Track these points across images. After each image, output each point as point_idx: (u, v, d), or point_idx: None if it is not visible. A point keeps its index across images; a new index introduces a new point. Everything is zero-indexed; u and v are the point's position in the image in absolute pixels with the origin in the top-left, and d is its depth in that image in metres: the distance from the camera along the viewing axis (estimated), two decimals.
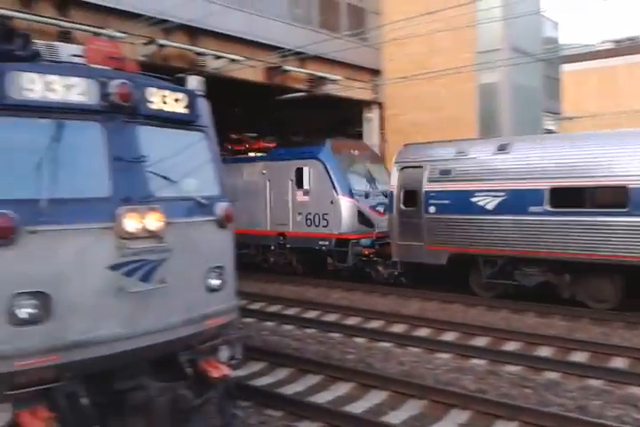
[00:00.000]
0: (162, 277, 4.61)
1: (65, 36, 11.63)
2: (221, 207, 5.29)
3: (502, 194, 11.89)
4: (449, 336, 9.99)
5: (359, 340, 9.68)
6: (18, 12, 11.28)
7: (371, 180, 15.97)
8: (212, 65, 15.93)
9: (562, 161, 11.45)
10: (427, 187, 13.07)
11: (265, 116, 24.99)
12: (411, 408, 6.81)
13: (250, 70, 17.16)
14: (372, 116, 22.10)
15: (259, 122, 25.94)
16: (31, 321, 3.92)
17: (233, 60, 16.14)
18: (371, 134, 22.11)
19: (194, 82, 5.65)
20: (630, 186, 10.48)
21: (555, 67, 25.73)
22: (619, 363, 8.46)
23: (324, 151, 15.72)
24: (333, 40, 18.07)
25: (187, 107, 5.23)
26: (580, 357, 8.79)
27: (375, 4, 21.04)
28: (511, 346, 9.38)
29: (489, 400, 6.74)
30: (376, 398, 7.14)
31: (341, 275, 15.45)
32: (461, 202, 12.43)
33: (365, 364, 8.32)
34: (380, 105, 21.92)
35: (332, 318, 11.48)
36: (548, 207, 11.33)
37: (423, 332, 10.30)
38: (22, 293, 3.89)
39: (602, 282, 11.32)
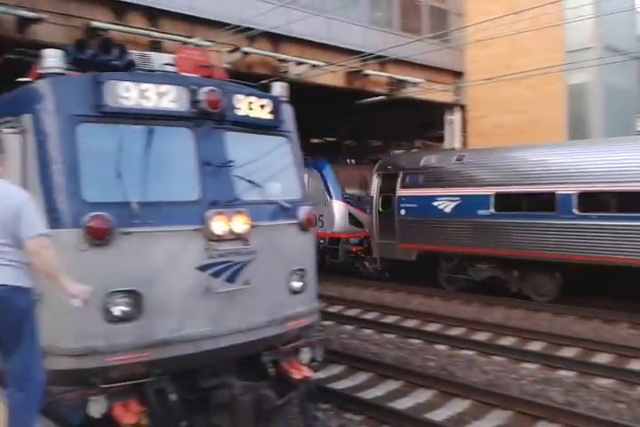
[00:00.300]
0: (247, 278, 4.72)
1: (155, 46, 12.13)
2: (303, 211, 5.37)
3: (457, 199, 13.65)
4: (535, 346, 9.62)
5: (440, 347, 9.48)
6: (112, 24, 11.88)
7: (364, 186, 17.59)
8: (294, 71, 16.17)
9: (505, 170, 13.25)
10: (399, 192, 15.07)
11: (344, 120, 25.11)
12: (495, 419, 6.61)
13: (330, 75, 17.27)
14: (453, 118, 21.70)
15: (338, 127, 26.12)
16: (124, 319, 4.12)
17: (314, 66, 16.31)
18: (452, 137, 21.71)
19: (278, 88, 5.76)
20: (558, 192, 11.87)
21: None
22: None
23: (322, 162, 17.73)
24: (414, 43, 17.91)
25: (271, 112, 5.35)
26: None
27: (458, 6, 20.67)
28: (602, 358, 8.91)
29: (578, 414, 6.43)
30: (458, 406, 6.97)
31: (366, 274, 16.19)
32: (426, 205, 14.30)
33: (447, 372, 8.15)
34: (463, 107, 21.49)
35: (411, 323, 11.32)
36: (492, 210, 13.02)
37: (507, 341, 9.96)
38: (116, 291, 4.09)
39: (543, 278, 12.67)
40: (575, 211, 11.68)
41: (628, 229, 11.02)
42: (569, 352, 9.22)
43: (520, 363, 8.62)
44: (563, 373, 8.17)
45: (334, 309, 12.66)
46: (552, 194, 11.98)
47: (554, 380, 7.72)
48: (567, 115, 19.32)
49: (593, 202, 11.58)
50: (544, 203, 12.14)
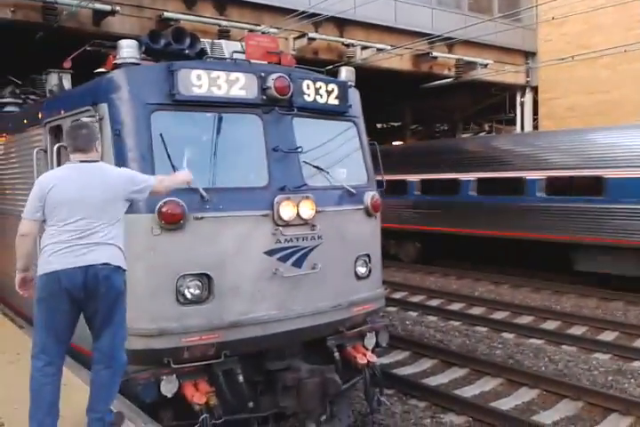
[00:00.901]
0: (313, 263, 4.79)
1: (224, 35, 12.31)
2: (369, 196, 5.37)
3: None
4: (607, 336, 9.29)
5: (507, 335, 9.32)
6: (183, 14, 12.13)
7: None
8: (360, 55, 16.03)
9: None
10: None
11: (410, 104, 24.73)
12: (564, 409, 6.46)
13: (396, 59, 17.01)
14: (524, 100, 20.98)
15: (403, 111, 25.75)
16: (195, 301, 4.27)
17: (380, 50, 16.11)
18: (523, 120, 21.02)
19: (345, 73, 5.74)
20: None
21: None
22: None
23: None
24: (484, 23, 17.37)
25: (339, 98, 5.34)
26: None
27: None
28: None
29: None
30: (526, 395, 6.86)
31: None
32: None
33: (514, 360, 8.02)
34: (534, 89, 20.75)
35: (477, 311, 11.15)
36: None
37: (578, 330, 9.67)
38: (188, 274, 4.24)
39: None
40: None
41: None
42: None
43: (591, 353, 8.37)
44: (637, 364, 7.88)
45: (398, 295, 12.62)
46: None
47: (628, 371, 7.45)
48: None
49: None
50: None
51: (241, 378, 4.35)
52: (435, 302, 11.93)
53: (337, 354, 4.96)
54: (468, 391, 6.98)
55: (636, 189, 11.18)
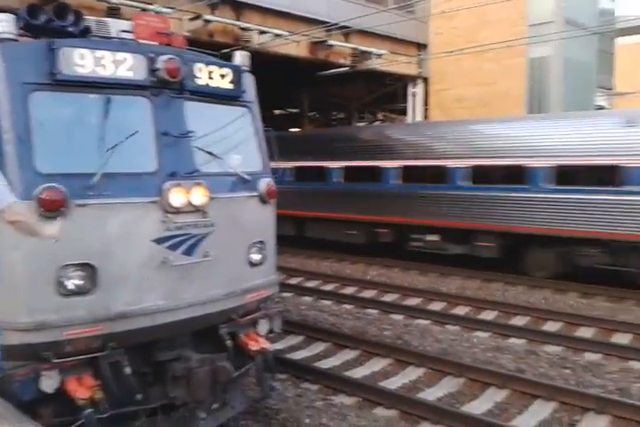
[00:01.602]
0: (205, 251, 4.70)
1: (113, 13, 11.74)
2: (264, 183, 5.34)
3: None
4: (487, 315, 9.94)
5: (396, 317, 9.72)
6: None
7: None
8: (257, 40, 15.87)
9: None
10: None
11: (307, 92, 24.86)
12: (447, 386, 6.85)
13: (294, 45, 17.02)
14: (416, 91, 21.73)
15: (301, 98, 25.84)
16: (78, 292, 4.07)
17: (277, 35, 16.04)
18: (415, 110, 21.78)
19: (239, 57, 5.65)
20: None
21: (609, 40, 24.67)
22: None
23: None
24: (379, 13, 17.74)
25: (232, 82, 5.24)
26: (622, 338, 8.63)
27: None
28: (551, 326, 9.28)
29: (527, 380, 6.72)
30: (413, 374, 7.20)
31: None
32: None
33: (402, 341, 8.37)
34: (425, 80, 21.52)
35: (369, 294, 11.53)
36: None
37: (461, 310, 10.26)
38: (70, 264, 4.03)
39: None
40: None
41: None
42: (520, 321, 9.57)
43: (473, 332, 8.92)
44: (513, 341, 8.49)
45: (294, 280, 12.77)
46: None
47: (505, 347, 8.01)
48: (528, 88, 19.53)
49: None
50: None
51: (128, 370, 4.22)
52: (329, 287, 12.19)
53: (229, 342, 4.93)
54: (359, 372, 7.22)
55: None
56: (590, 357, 7.81)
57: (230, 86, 5.24)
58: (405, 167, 14.33)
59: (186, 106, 4.89)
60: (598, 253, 11.46)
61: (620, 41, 32.81)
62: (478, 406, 6.28)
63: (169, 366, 4.58)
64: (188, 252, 4.61)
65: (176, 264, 4.49)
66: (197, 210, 4.66)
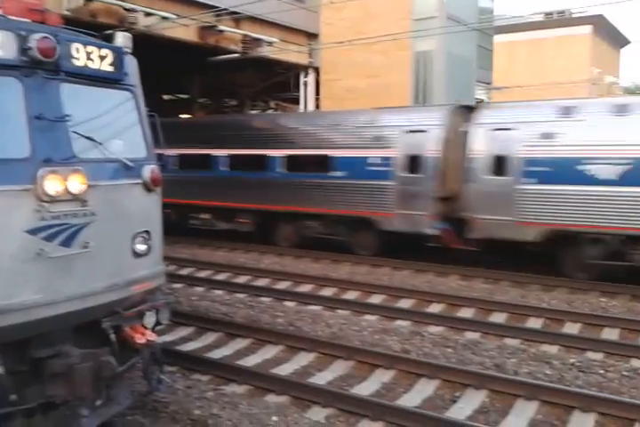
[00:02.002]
0: (85, 241, 4.48)
1: None
2: (149, 170, 5.16)
3: None
4: (375, 299, 10.28)
5: (289, 304, 9.81)
6: None
7: None
8: (143, 22, 15.27)
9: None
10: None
11: (199, 78, 24.30)
12: (338, 369, 7.01)
13: (182, 29, 16.56)
14: (307, 80, 21.88)
15: (192, 84, 25.22)
16: None
17: (164, 18, 15.51)
18: (307, 99, 21.94)
19: (121, 38, 5.39)
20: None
21: (488, 37, 26.08)
22: (534, 323, 8.95)
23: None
24: (270, 1, 17.63)
25: (113, 64, 5.00)
26: (499, 317, 9.24)
27: None
28: (435, 308, 9.75)
29: (411, 360, 7.03)
30: (304, 360, 7.30)
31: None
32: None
33: (294, 327, 8.46)
34: (316, 70, 21.72)
35: (262, 282, 11.55)
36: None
37: (351, 295, 10.54)
38: None
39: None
40: None
41: None
42: (406, 303, 9.98)
43: (362, 315, 9.19)
44: (400, 322, 8.85)
45: (185, 271, 12.52)
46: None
47: (391, 329, 8.32)
48: (413, 80, 20.25)
49: None
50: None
51: (1, 370, 3.95)
52: (221, 276, 12.07)
53: (113, 336, 4.74)
54: (251, 361, 7.23)
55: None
56: (470, 336, 8.29)
57: (111, 69, 5.00)
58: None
59: (62, 88, 4.61)
60: (318, 225, 14.29)
61: (498, 38, 34.80)
62: (367, 388, 6.49)
63: (47, 363, 4.34)
64: (66, 243, 4.37)
65: (53, 256, 4.24)
66: (76, 198, 4.42)
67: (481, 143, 12.19)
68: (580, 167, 11.04)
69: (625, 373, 6.69)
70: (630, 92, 51.43)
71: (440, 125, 12.83)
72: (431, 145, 12.76)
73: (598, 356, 7.45)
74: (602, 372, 6.75)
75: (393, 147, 13.20)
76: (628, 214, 10.65)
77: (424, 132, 12.87)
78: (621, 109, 11.08)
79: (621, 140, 10.74)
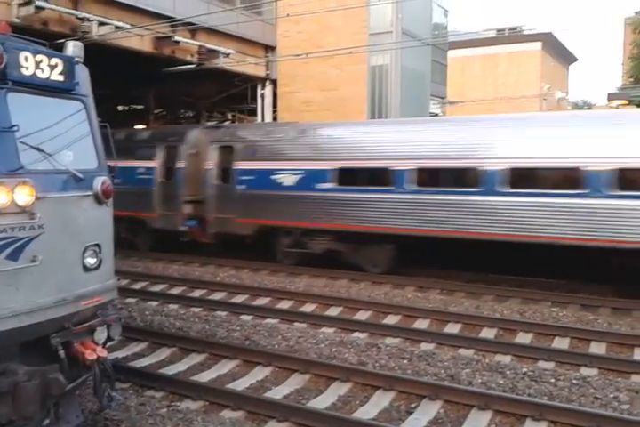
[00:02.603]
0: (32, 255, 4.35)
1: None
2: (99, 182, 5.06)
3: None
4: (333, 311, 10.27)
5: (245, 317, 9.71)
6: None
7: None
8: (97, 31, 15.03)
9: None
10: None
11: (154, 88, 24.04)
12: (294, 383, 6.96)
13: (137, 39, 16.39)
14: (265, 92, 21.91)
15: (147, 94, 24.94)
16: None
17: (118, 28, 15.31)
18: (264, 111, 21.95)
19: (72, 48, 5.30)
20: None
21: (442, 52, 26.67)
22: (488, 333, 9.09)
23: None
24: (228, 13, 17.65)
25: (64, 74, 4.92)
26: (453, 328, 9.35)
27: None
28: (391, 320, 9.80)
29: (368, 372, 7.03)
30: (260, 374, 7.22)
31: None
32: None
33: (251, 341, 8.37)
34: (274, 82, 21.77)
35: (218, 296, 11.41)
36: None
37: (309, 308, 10.50)
38: None
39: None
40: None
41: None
42: (363, 315, 10.01)
43: (319, 328, 9.17)
44: (357, 335, 8.86)
45: (138, 285, 12.27)
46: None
47: (348, 342, 8.31)
48: (369, 94, 20.51)
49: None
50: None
51: None
52: (176, 291, 11.87)
53: (62, 352, 4.60)
54: (206, 376, 7.10)
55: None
56: (425, 347, 8.35)
57: (61, 78, 4.91)
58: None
59: (9, 97, 4.49)
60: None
61: (453, 54, 35.68)
62: (323, 401, 6.45)
63: None
64: (13, 257, 4.23)
65: None
66: (23, 211, 4.30)
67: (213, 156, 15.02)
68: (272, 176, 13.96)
69: (575, 381, 6.84)
70: (579, 107, 53.39)
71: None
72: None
73: (549, 365, 7.61)
74: (553, 380, 6.88)
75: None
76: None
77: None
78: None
79: None
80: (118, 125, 19.78)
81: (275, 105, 22.01)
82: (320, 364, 7.27)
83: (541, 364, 7.66)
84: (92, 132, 5.33)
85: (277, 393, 6.60)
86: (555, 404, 6.15)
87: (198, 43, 18.04)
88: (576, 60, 59.47)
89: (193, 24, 16.95)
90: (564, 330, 9.02)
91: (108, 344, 5.23)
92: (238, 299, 11.16)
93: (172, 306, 10.42)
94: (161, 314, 9.69)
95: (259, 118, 22.24)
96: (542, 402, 6.19)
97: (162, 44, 17.25)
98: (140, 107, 28.22)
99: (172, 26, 16.68)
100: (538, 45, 47.03)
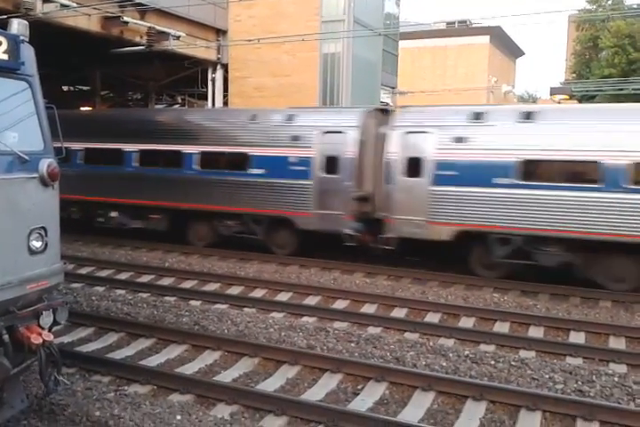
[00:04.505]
0: None
1: None
2: (45, 164, 4.97)
3: None
4: (283, 297, 10.36)
5: (194, 303, 9.70)
6: None
7: None
8: (41, 9, 14.51)
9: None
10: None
11: (101, 69, 23.42)
12: (243, 366, 7.03)
13: (84, 18, 15.90)
14: (215, 76, 21.63)
15: (94, 75, 24.28)
16: None
17: (64, 6, 14.81)
18: (215, 96, 21.68)
19: (17, 26, 5.15)
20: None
21: (393, 42, 26.87)
22: (432, 318, 9.37)
23: None
24: None
25: (8, 53, 4.79)
26: (399, 313, 9.59)
27: None
28: (340, 304, 9.97)
29: (316, 355, 7.17)
30: (209, 358, 7.26)
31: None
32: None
33: (200, 326, 8.38)
34: (225, 66, 21.52)
35: (167, 281, 11.33)
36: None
37: (259, 293, 10.57)
38: None
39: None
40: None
41: None
42: (312, 300, 10.14)
43: (269, 313, 9.25)
44: (306, 319, 8.99)
45: (85, 270, 12.04)
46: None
47: (298, 326, 8.43)
48: (321, 81, 20.54)
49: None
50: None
51: None
52: (124, 276, 11.72)
53: (6, 336, 4.53)
54: (154, 361, 7.09)
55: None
56: (372, 330, 8.55)
57: (5, 57, 4.78)
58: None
59: None
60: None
61: (404, 44, 35.99)
62: (272, 384, 6.55)
63: None
64: None
65: None
66: None
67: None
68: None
69: (514, 363, 7.15)
70: (524, 100, 54.82)
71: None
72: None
73: (490, 348, 7.92)
74: (493, 363, 7.18)
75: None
76: None
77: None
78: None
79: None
80: (64, 107, 19.24)
81: (226, 90, 21.78)
82: (269, 347, 7.37)
83: (483, 347, 7.96)
84: (38, 112, 5.21)
85: (226, 377, 6.66)
86: (494, 384, 6.43)
87: (148, 24, 17.63)
88: (523, 53, 60.95)
89: (143, 5, 16.58)
90: (505, 315, 9.38)
91: (55, 329, 5.17)
92: (187, 284, 11.12)
93: (119, 291, 10.29)
94: (108, 299, 9.56)
95: (209, 103, 21.96)
96: (482, 383, 6.46)
97: (110, 24, 16.79)
98: (85, 88, 27.43)
99: (121, 6, 16.25)
100: (486, 39, 47.95)
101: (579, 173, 11.08)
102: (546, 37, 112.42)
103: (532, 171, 11.24)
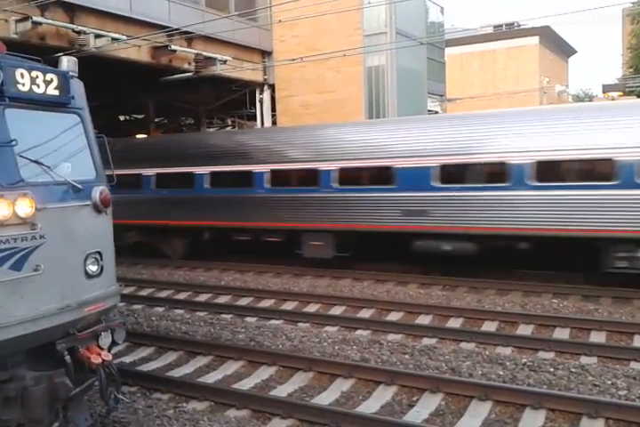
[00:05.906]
0: (35, 264, 4.52)
1: None
2: (98, 191, 5.23)
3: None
4: (336, 310, 10.41)
5: (250, 319, 9.87)
6: None
7: None
8: (94, 44, 15.25)
9: None
10: None
11: (153, 97, 24.28)
12: (298, 381, 7.11)
13: (134, 49, 16.59)
14: (263, 97, 22.07)
15: (147, 104, 25.17)
16: None
17: (115, 39, 15.52)
18: (264, 116, 22.11)
19: (66, 62, 5.47)
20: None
21: (439, 50, 26.75)
22: (489, 327, 9.20)
23: None
24: (223, 20, 17.83)
25: (59, 88, 5.09)
26: (454, 323, 9.47)
27: None
28: (394, 316, 9.93)
29: (370, 368, 7.17)
30: (265, 373, 7.37)
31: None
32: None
33: (255, 342, 8.52)
34: (271, 87, 21.94)
35: (223, 299, 11.57)
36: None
37: (312, 308, 10.65)
38: None
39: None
40: None
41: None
42: (366, 313, 10.14)
43: (322, 327, 9.32)
44: (360, 332, 9.00)
45: (145, 292, 12.45)
46: None
47: (351, 339, 8.45)
48: (366, 95, 20.64)
49: None
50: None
51: None
52: (182, 296, 12.04)
53: (68, 357, 4.77)
54: (212, 377, 7.26)
55: None
56: (427, 341, 8.48)
57: (57, 93, 5.09)
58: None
59: (8, 113, 4.67)
60: None
61: (451, 51, 35.77)
62: (326, 397, 6.59)
63: (1, 387, 4.34)
64: (16, 266, 4.41)
65: (3, 280, 4.28)
66: (24, 222, 4.47)
67: None
68: None
69: (573, 369, 6.96)
70: (580, 99, 53.32)
71: None
72: None
73: (549, 355, 7.72)
74: (552, 370, 7.01)
75: None
76: None
77: None
78: None
79: None
80: (121, 135, 20.03)
81: (273, 109, 22.18)
82: (323, 361, 7.41)
83: (541, 354, 7.78)
84: (89, 143, 5.50)
85: (282, 391, 6.75)
86: (553, 392, 6.27)
87: (195, 51, 18.22)
88: (575, 52, 59.39)
89: (189, 33, 17.15)
90: (565, 320, 9.13)
91: (115, 349, 5.40)
92: (243, 302, 11.33)
93: (177, 311, 10.59)
94: (167, 319, 9.86)
95: (258, 123, 22.40)
96: (541, 391, 6.31)
97: (159, 53, 17.45)
98: (140, 116, 28.47)
99: (169, 35, 16.86)
100: (535, 39, 47.03)
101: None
102: (599, 33, 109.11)
103: None
